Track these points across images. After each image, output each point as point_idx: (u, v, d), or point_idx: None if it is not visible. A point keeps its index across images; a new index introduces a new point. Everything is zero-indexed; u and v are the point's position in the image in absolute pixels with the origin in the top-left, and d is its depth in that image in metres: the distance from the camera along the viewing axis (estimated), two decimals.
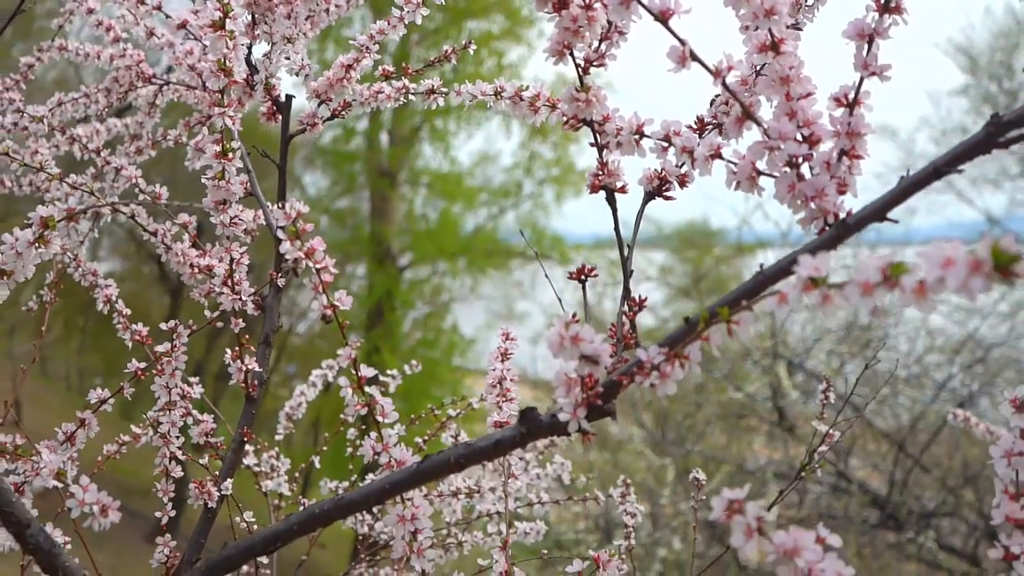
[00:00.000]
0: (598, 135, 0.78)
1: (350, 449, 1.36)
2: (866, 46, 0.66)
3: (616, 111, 0.77)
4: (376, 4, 7.11)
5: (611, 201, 0.79)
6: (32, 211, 0.85)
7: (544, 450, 1.44)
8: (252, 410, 1.12)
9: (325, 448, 1.50)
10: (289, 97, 1.12)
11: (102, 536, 0.94)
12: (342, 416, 1.50)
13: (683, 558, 5.74)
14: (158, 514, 1.06)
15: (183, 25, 1.15)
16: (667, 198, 0.80)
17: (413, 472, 0.70)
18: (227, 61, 0.84)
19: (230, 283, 1.01)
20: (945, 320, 8.43)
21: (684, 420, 7.80)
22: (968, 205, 8.73)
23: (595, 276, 0.81)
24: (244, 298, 1.03)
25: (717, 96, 0.77)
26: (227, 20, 0.83)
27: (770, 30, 0.67)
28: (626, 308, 0.77)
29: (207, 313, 1.14)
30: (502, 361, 1.04)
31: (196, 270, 1.13)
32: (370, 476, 1.24)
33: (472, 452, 0.70)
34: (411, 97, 1.09)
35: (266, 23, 1.08)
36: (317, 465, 1.47)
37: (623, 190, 0.79)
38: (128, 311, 1.24)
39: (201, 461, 1.06)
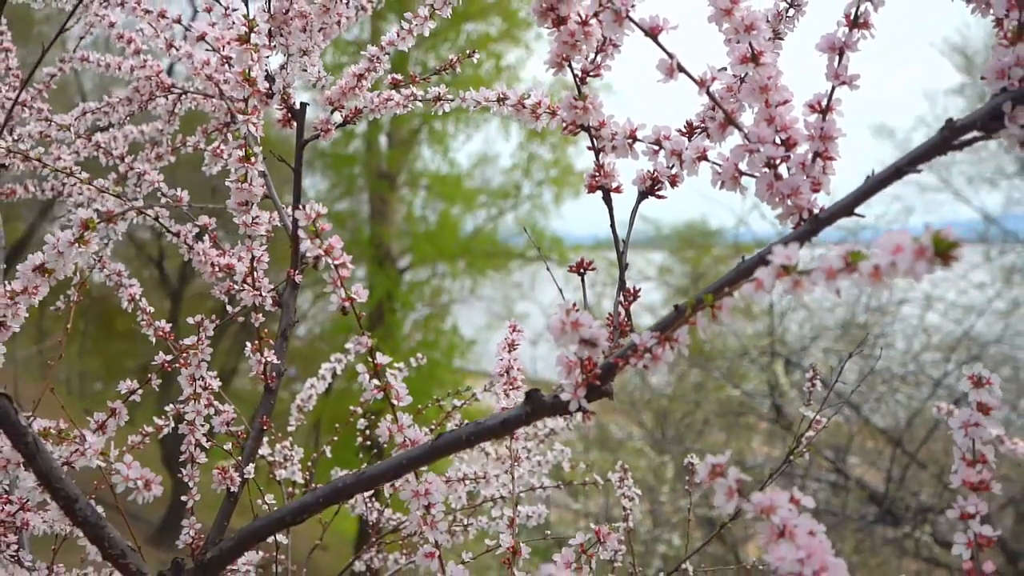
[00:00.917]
0: (595, 139, 0.85)
1: (360, 439, 1.42)
2: (837, 57, 0.73)
3: (611, 117, 0.84)
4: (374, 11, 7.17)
5: (607, 200, 0.86)
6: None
7: (545, 438, 1.51)
8: (271, 400, 1.18)
9: (336, 438, 1.56)
10: (303, 105, 1.19)
11: None
12: (351, 408, 1.57)
13: (683, 555, 5.81)
14: (184, 498, 1.13)
15: (202, 37, 1.22)
16: (659, 197, 0.87)
17: (428, 448, 0.77)
18: (251, 72, 0.91)
19: (251, 280, 1.08)
20: (942, 319, 8.50)
21: (683, 419, 7.86)
22: (965, 204, 8.80)
23: (593, 270, 0.88)
24: (264, 294, 1.10)
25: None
26: (252, 34, 0.89)
27: (750, 43, 0.74)
28: (621, 298, 0.84)
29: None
30: (509, 351, 1.11)
31: (216, 268, 1.20)
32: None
33: (482, 430, 0.77)
34: (419, 104, 1.16)
35: (282, 36, 1.15)
36: (328, 455, 1.54)
37: (618, 190, 0.86)
38: (151, 309, 1.31)
39: (226, 446, 1.13)
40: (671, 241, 11.29)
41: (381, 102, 1.16)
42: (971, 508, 0.65)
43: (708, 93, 0.75)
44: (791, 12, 0.89)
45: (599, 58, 0.82)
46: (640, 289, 0.84)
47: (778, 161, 0.73)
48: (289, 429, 1.55)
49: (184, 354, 1.08)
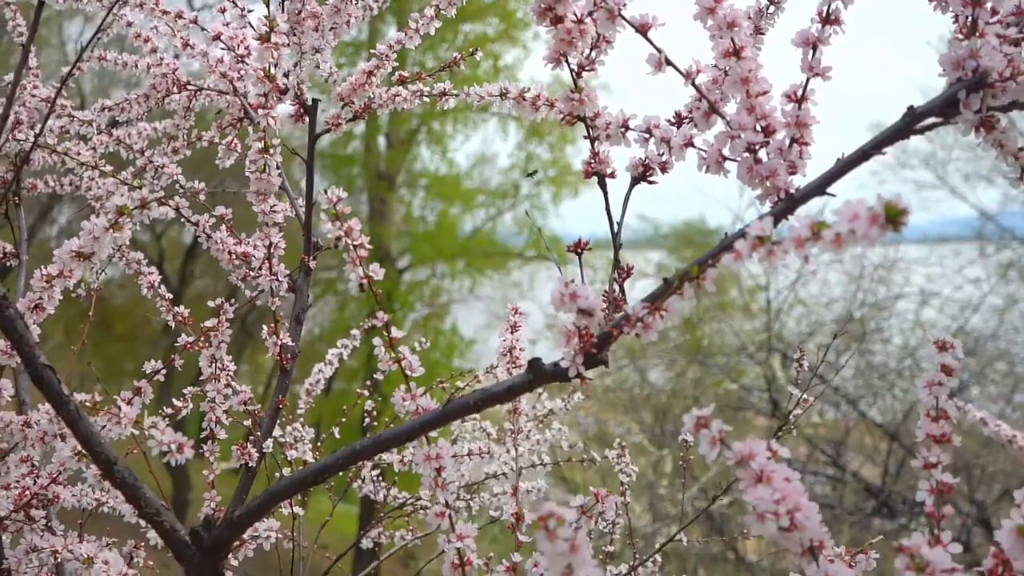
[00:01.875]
0: (590, 129, 0.92)
1: (367, 419, 1.49)
2: (811, 51, 0.80)
3: (605, 108, 0.91)
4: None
5: (602, 185, 0.93)
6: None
7: (543, 419, 1.58)
8: (286, 381, 1.25)
9: (344, 420, 1.64)
10: (315, 101, 1.26)
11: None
12: (358, 391, 1.64)
13: (681, 548, 5.87)
14: (205, 472, 1.19)
15: (217, 37, 1.29)
16: (650, 182, 0.94)
17: (440, 412, 0.84)
18: (271, 69, 0.97)
19: (268, 265, 1.15)
20: (938, 314, 8.58)
21: (682, 415, 7.93)
22: (962, 201, 8.88)
23: (589, 250, 0.95)
24: (280, 279, 1.17)
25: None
26: (272, 34, 0.96)
27: (732, 39, 0.80)
28: (616, 276, 0.90)
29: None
30: (511, 332, 1.18)
31: (233, 256, 1.27)
32: None
33: (488, 396, 0.84)
34: (425, 99, 1.23)
35: (295, 35, 1.22)
36: (337, 436, 1.61)
37: (612, 175, 0.93)
38: (170, 295, 1.38)
39: (245, 422, 1.20)
40: (670, 240, 11.37)
41: (389, 97, 1.23)
42: (933, 458, 0.72)
43: (693, 84, 0.82)
44: (772, 9, 0.96)
45: (594, 54, 0.89)
46: (633, 266, 0.91)
47: (758, 146, 0.80)
48: (299, 412, 1.62)
49: (206, 335, 1.15)
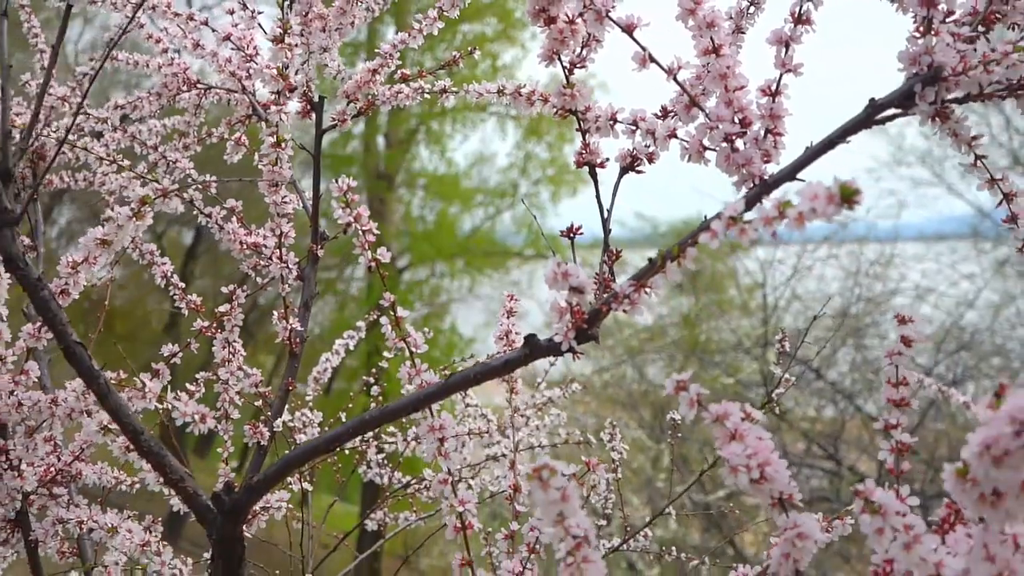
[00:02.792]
0: (582, 122, 0.99)
1: (373, 404, 1.56)
2: (784, 49, 0.86)
3: (595, 102, 0.98)
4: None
5: (593, 174, 1.00)
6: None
7: (542, 406, 1.65)
8: (295, 364, 1.32)
9: (351, 405, 1.70)
10: (322, 98, 1.33)
11: None
12: (363, 378, 1.70)
13: (679, 539, 5.95)
14: (220, 450, 1.26)
15: (227, 38, 1.35)
16: (638, 171, 1.00)
17: (442, 385, 0.91)
18: (284, 68, 1.04)
19: (280, 253, 1.21)
20: (934, 310, 8.65)
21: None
22: (958, 198, 8.95)
23: (581, 234, 1.01)
24: (290, 267, 1.23)
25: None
26: (287, 35, 1.03)
27: (711, 38, 0.87)
28: (606, 258, 0.97)
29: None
30: (508, 317, 1.24)
31: (244, 246, 1.34)
32: None
33: (487, 369, 0.91)
34: (426, 95, 1.30)
35: (302, 35, 1.28)
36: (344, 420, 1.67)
37: (602, 165, 0.99)
38: (183, 284, 1.44)
39: (257, 403, 1.26)
40: (668, 239, 11.43)
41: (392, 94, 1.30)
42: (893, 420, 0.79)
43: (675, 80, 0.88)
44: (752, 9, 1.02)
45: (584, 52, 0.96)
46: (622, 250, 0.98)
47: (735, 137, 0.86)
48: (307, 399, 1.69)
49: (220, 320, 1.21)
